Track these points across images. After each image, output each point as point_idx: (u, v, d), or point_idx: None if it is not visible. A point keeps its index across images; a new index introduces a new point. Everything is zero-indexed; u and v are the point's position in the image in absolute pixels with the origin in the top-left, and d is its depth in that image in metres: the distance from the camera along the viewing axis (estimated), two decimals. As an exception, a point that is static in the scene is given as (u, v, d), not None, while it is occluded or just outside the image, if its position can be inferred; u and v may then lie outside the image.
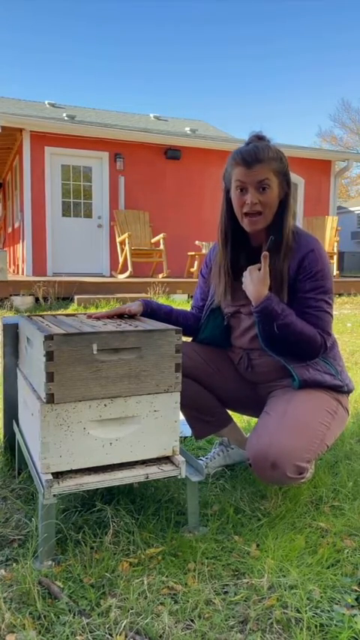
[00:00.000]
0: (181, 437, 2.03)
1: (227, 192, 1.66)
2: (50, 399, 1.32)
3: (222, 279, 1.72)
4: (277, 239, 1.60)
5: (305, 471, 1.51)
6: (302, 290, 1.59)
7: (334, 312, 6.86)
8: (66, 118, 10.04)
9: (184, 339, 1.60)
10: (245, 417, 2.44)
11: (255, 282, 1.56)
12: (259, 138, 1.62)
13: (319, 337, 1.58)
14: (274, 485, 1.69)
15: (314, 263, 1.58)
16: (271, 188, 1.56)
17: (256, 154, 1.55)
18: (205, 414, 1.83)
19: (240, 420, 2.39)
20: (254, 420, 2.40)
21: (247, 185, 1.56)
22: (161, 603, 1.19)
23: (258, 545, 1.43)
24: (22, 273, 9.38)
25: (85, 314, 1.86)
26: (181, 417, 1.62)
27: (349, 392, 1.70)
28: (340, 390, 1.66)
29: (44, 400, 1.33)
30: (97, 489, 1.60)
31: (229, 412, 1.94)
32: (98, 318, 1.70)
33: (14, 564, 1.33)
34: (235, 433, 1.94)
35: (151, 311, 1.76)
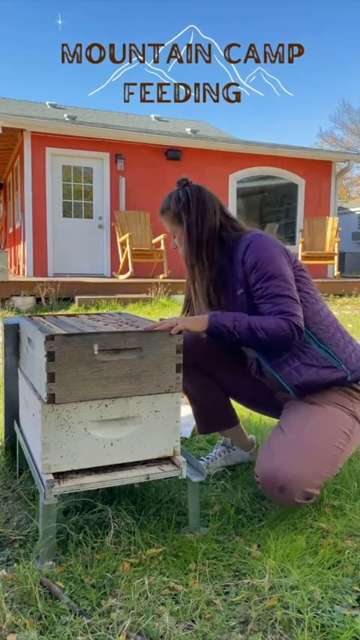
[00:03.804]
0: (180, 438, 2.03)
1: None
2: (51, 399, 1.33)
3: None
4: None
5: (313, 497, 1.50)
6: (251, 285, 1.59)
7: (335, 313, 6.86)
8: (67, 119, 10.05)
9: None
10: (246, 417, 2.44)
11: (185, 321, 1.53)
12: (177, 184, 1.76)
13: (284, 322, 1.52)
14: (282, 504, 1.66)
15: (251, 255, 1.59)
16: (175, 234, 1.73)
17: (161, 207, 1.76)
18: (213, 410, 1.83)
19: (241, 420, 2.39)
20: (254, 420, 2.40)
21: None
22: (162, 604, 1.19)
23: (259, 546, 1.43)
24: (23, 274, 9.39)
25: (86, 314, 1.86)
26: (183, 413, 1.62)
27: (357, 380, 1.62)
28: (344, 381, 1.59)
29: (45, 400, 1.33)
30: (98, 490, 1.60)
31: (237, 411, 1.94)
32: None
33: (15, 564, 1.33)
34: (239, 435, 1.94)
35: None
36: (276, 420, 1.74)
